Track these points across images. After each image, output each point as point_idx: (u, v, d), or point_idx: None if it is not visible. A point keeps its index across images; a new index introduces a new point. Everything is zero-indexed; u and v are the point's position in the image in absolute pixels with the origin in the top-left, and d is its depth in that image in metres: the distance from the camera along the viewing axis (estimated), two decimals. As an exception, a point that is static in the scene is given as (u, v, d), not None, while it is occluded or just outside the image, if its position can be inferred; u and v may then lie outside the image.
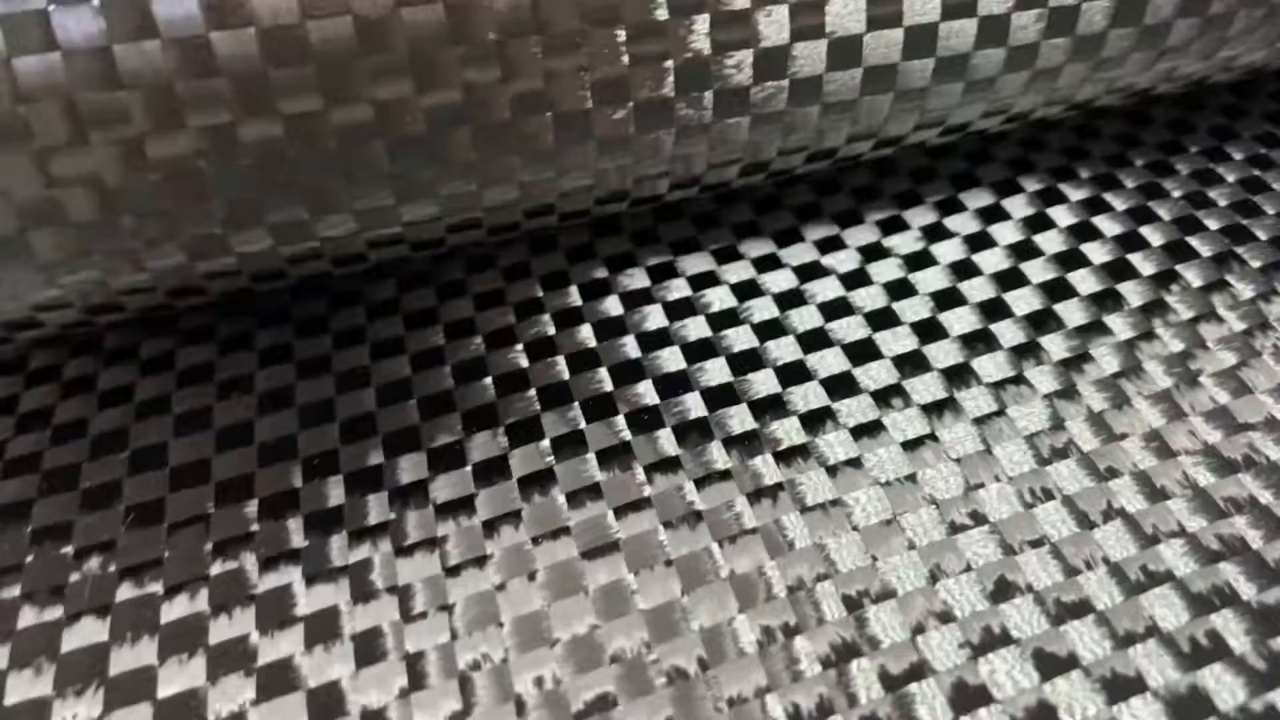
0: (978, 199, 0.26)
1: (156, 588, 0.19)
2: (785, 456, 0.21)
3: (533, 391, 0.22)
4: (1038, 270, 0.24)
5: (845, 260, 0.25)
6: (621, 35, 0.20)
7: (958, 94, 0.23)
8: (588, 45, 0.20)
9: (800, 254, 0.25)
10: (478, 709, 0.17)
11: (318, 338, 0.24)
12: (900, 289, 0.24)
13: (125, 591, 0.19)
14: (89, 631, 0.19)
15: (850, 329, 0.23)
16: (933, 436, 0.21)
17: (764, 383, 0.22)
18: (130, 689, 0.18)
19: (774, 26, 0.20)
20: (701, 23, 0.20)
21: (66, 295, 0.21)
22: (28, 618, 0.19)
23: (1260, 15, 0.23)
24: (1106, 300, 0.23)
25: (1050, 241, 0.25)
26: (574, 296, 0.24)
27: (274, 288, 0.23)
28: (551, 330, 0.24)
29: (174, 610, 0.19)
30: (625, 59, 0.20)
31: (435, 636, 0.18)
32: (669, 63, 0.20)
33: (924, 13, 0.21)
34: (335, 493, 0.21)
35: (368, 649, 0.18)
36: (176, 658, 0.18)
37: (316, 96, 0.19)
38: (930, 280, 0.24)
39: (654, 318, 0.24)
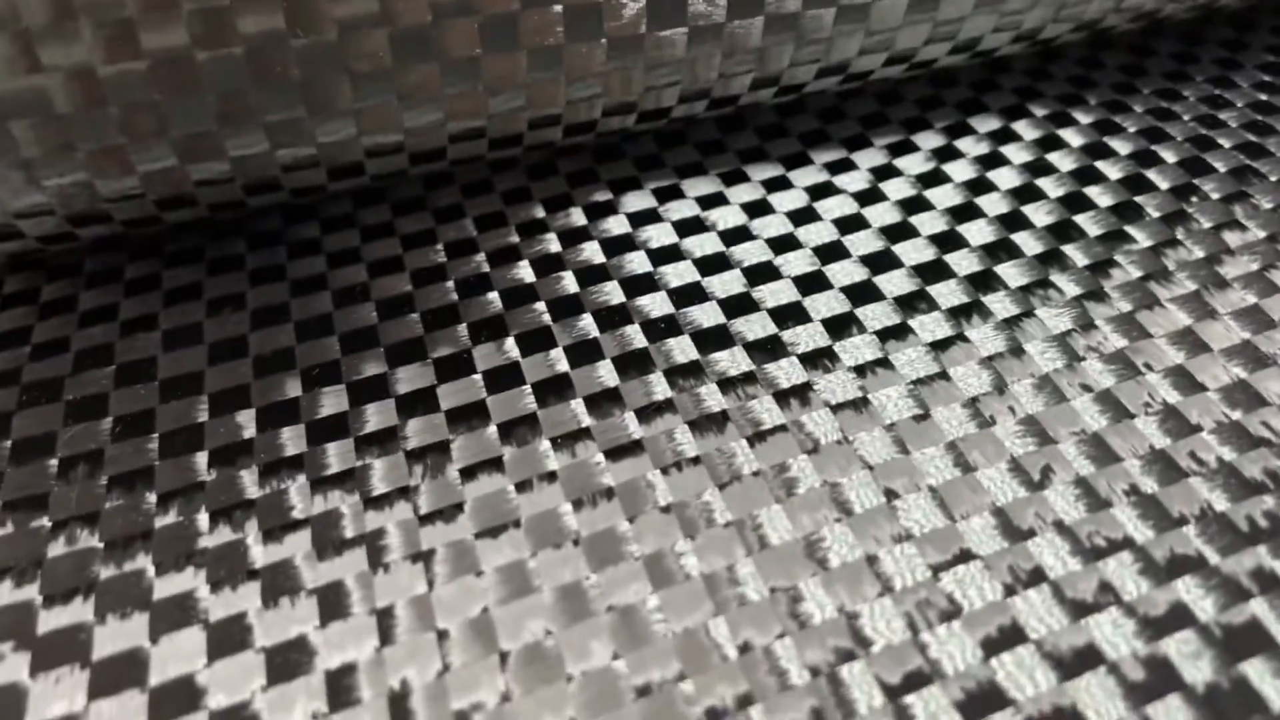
0: (986, 124, 0.26)
1: (148, 496, 0.18)
2: (810, 359, 0.20)
3: (541, 304, 0.21)
4: (1053, 185, 0.23)
5: (856, 180, 0.24)
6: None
7: (970, 3, 0.22)
8: None
9: (810, 175, 0.24)
10: (493, 612, 0.16)
11: (311, 258, 0.23)
12: (914, 205, 0.23)
13: (114, 499, 0.18)
14: (78, 539, 0.17)
15: (866, 242, 0.22)
16: (962, 337, 0.20)
17: (783, 292, 0.21)
18: (121, 593, 0.17)
19: None
20: None
21: (49, 200, 0.20)
22: (7, 527, 0.18)
23: None
24: (1126, 211, 0.23)
25: (1064, 160, 0.24)
26: (578, 217, 0.24)
27: (266, 204, 0.22)
28: (556, 248, 0.23)
29: (168, 518, 0.18)
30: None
31: (448, 535, 0.17)
32: None
33: None
34: (336, 401, 0.20)
35: (375, 553, 0.17)
36: (172, 564, 0.17)
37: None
38: (944, 197, 0.23)
39: (662, 235, 0.23)
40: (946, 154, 0.25)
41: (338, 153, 0.21)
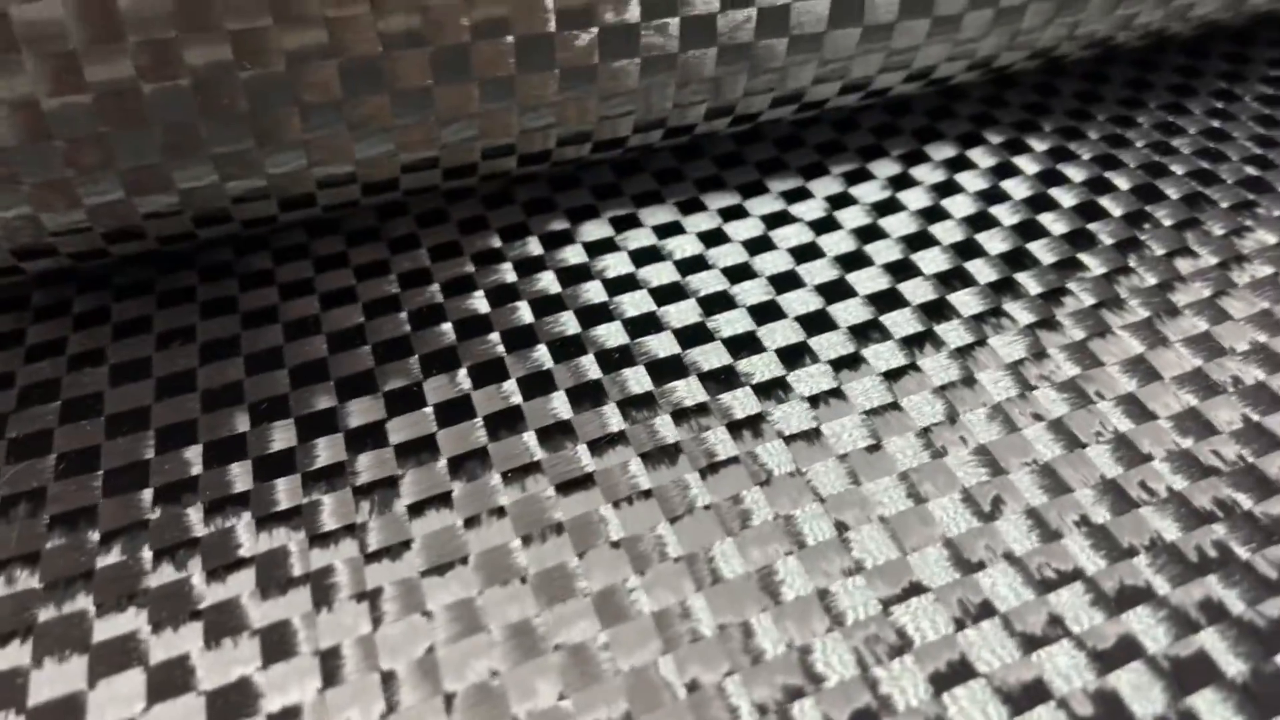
0: (942, 151, 0.26)
1: (91, 535, 0.18)
2: (765, 389, 0.20)
3: (495, 335, 0.21)
4: (1007, 213, 0.24)
5: (812, 209, 0.24)
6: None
7: (923, 32, 0.22)
8: None
9: (766, 204, 0.24)
10: (439, 651, 0.16)
11: (263, 290, 0.23)
12: (869, 233, 0.23)
13: (56, 539, 0.18)
14: (18, 580, 0.17)
15: (820, 270, 0.22)
16: (914, 367, 0.20)
17: (738, 322, 0.21)
18: (61, 635, 0.16)
19: None
20: None
21: (-8, 234, 0.19)
22: (-53, 569, 0.17)
23: None
24: (1079, 238, 0.23)
25: (1018, 187, 0.24)
26: (534, 246, 0.23)
27: (216, 236, 0.22)
28: (512, 278, 0.23)
29: (110, 557, 0.17)
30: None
31: (393, 574, 0.17)
32: None
33: None
34: (285, 436, 0.19)
35: (320, 592, 0.17)
36: (114, 605, 0.17)
37: (265, 14, 0.18)
38: (899, 225, 0.23)
39: (619, 264, 0.23)
40: (902, 182, 0.25)
41: (288, 184, 0.21)
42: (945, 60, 0.24)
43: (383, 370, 0.20)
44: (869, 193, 0.24)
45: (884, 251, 0.23)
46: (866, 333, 0.21)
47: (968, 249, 0.23)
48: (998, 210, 0.24)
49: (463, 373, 0.20)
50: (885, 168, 0.25)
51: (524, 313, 0.22)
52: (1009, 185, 0.24)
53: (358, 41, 0.19)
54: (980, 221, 0.23)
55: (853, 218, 0.24)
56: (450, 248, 0.24)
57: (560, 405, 0.20)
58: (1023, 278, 0.22)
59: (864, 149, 0.26)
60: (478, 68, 0.20)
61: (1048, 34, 0.24)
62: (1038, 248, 0.23)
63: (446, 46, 0.19)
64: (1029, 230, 0.23)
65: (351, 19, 0.18)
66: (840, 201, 0.24)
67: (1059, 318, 0.21)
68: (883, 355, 0.20)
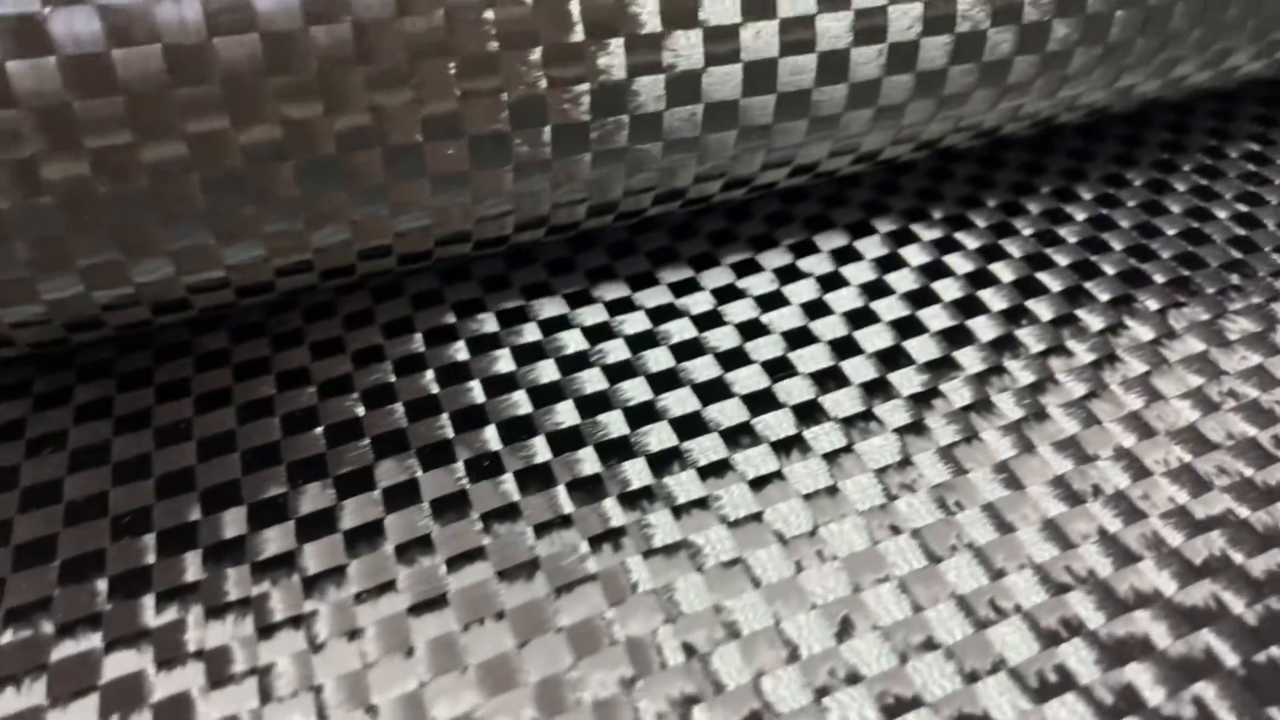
0: (831, 240, 0.26)
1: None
2: (630, 499, 0.20)
3: (366, 441, 0.21)
4: (888, 308, 0.24)
5: (699, 302, 0.24)
6: (453, 68, 0.19)
7: (802, 131, 0.23)
8: (417, 78, 0.19)
9: (654, 297, 0.25)
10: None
11: (140, 390, 0.23)
12: (753, 329, 0.23)
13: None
14: None
15: (702, 369, 0.22)
16: (779, 475, 0.20)
17: (612, 425, 0.21)
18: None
19: (612, 61, 0.20)
20: (537, 56, 0.19)
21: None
22: None
23: (1097, 54, 0.24)
24: (957, 336, 0.23)
25: (902, 280, 0.25)
26: (418, 343, 0.23)
27: (93, 339, 0.22)
28: (392, 378, 0.23)
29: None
30: (458, 92, 0.19)
31: (246, 703, 0.17)
32: (504, 96, 0.20)
33: (762, 49, 0.21)
34: (146, 552, 0.19)
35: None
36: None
37: (126, 131, 0.18)
38: (783, 320, 0.24)
39: (502, 362, 0.23)
40: (789, 274, 0.25)
41: (158, 291, 0.21)
42: (829, 156, 0.24)
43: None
44: (757, 284, 0.25)
45: (765, 348, 0.23)
46: (737, 437, 0.21)
47: (846, 346, 0.23)
48: (879, 305, 0.24)
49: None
50: (775, 258, 0.25)
51: (399, 417, 0.22)
52: (893, 278, 0.25)
53: (223, 157, 0.19)
54: (861, 318, 0.24)
55: (739, 311, 0.24)
56: (334, 344, 0.24)
57: (426, 518, 0.19)
58: (896, 377, 0.22)
59: (755, 238, 0.26)
60: (349, 178, 0.20)
61: (933, 128, 0.24)
62: (915, 345, 0.23)
63: (315, 158, 0.19)
64: (908, 327, 0.23)
65: (215, 134, 0.18)
66: (727, 295, 0.24)
67: (927, 421, 0.21)
68: (752, 460, 0.20)
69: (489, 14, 0.19)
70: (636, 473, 0.20)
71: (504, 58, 0.19)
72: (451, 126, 0.20)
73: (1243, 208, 0.26)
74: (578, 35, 0.20)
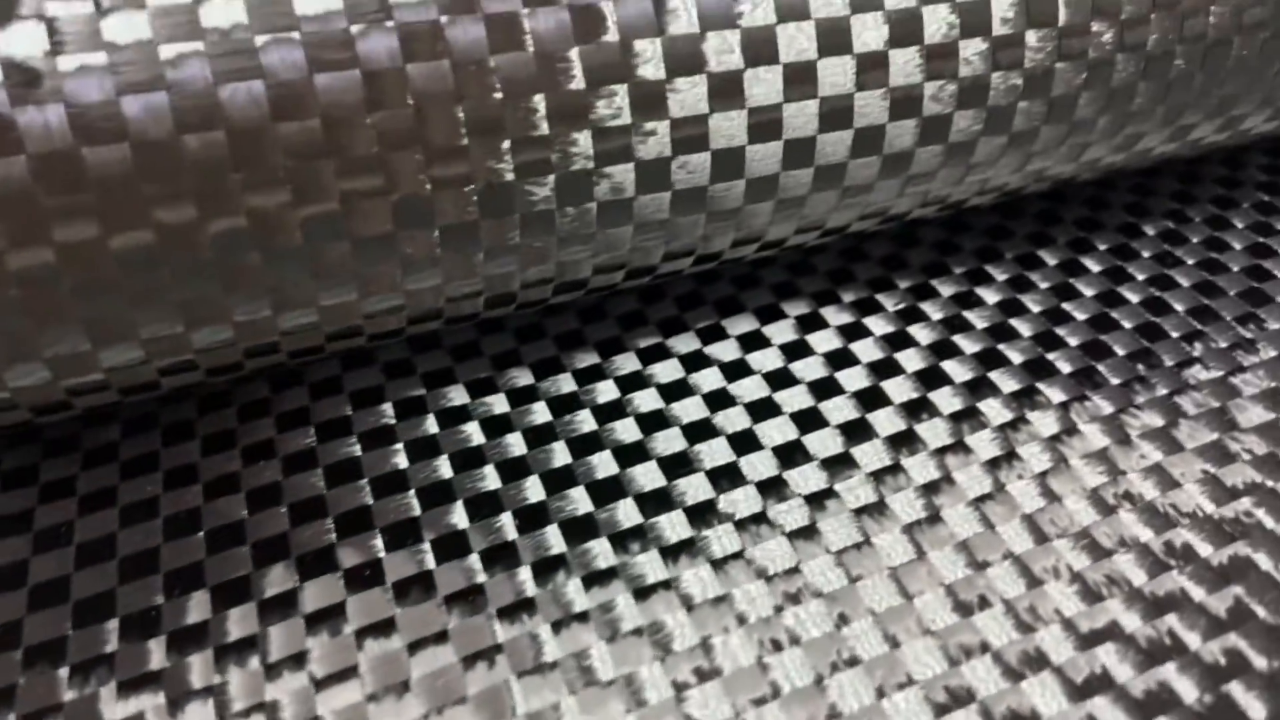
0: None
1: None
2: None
3: (330, 521, 0.21)
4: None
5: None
6: (420, 158, 0.19)
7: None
8: (384, 170, 0.19)
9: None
10: None
11: (107, 466, 0.23)
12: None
13: None
14: None
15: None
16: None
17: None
18: None
19: (580, 148, 0.20)
20: (506, 147, 0.19)
21: None
22: None
23: (1063, 132, 0.24)
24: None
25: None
26: (389, 414, 0.24)
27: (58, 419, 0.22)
28: (359, 451, 0.23)
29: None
30: (428, 185, 0.19)
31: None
32: (470, 186, 0.19)
33: (732, 137, 0.21)
34: (109, 638, 0.19)
35: None
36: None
37: (93, 223, 0.17)
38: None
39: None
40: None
41: (129, 374, 0.20)
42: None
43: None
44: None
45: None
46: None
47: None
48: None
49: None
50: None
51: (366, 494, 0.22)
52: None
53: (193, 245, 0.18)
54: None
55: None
56: (301, 413, 0.24)
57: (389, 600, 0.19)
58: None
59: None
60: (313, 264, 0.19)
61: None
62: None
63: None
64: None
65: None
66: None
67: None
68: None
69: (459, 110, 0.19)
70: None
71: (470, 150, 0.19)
72: (423, 215, 0.20)
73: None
74: (544, 129, 0.19)
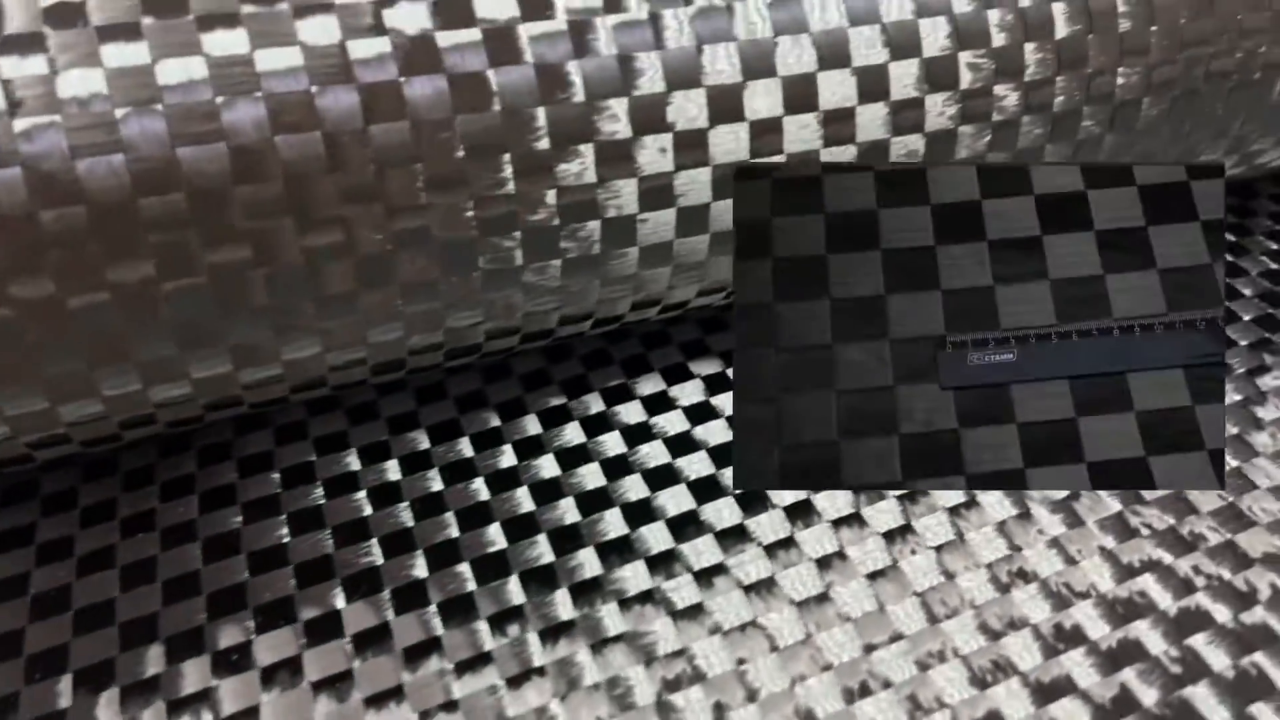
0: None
1: None
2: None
3: (290, 568, 0.21)
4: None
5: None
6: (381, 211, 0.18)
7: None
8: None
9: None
10: None
11: (66, 514, 0.22)
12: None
13: None
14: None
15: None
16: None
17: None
18: None
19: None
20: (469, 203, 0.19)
21: None
22: None
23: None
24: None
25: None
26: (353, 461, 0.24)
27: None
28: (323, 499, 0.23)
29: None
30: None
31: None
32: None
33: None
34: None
35: None
36: None
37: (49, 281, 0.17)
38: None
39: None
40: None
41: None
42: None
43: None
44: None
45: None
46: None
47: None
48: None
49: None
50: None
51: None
52: (540, 462, 0.24)
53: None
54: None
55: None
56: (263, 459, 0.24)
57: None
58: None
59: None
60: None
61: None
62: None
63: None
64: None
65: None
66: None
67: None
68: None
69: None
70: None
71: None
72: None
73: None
74: (510, 188, 0.19)
